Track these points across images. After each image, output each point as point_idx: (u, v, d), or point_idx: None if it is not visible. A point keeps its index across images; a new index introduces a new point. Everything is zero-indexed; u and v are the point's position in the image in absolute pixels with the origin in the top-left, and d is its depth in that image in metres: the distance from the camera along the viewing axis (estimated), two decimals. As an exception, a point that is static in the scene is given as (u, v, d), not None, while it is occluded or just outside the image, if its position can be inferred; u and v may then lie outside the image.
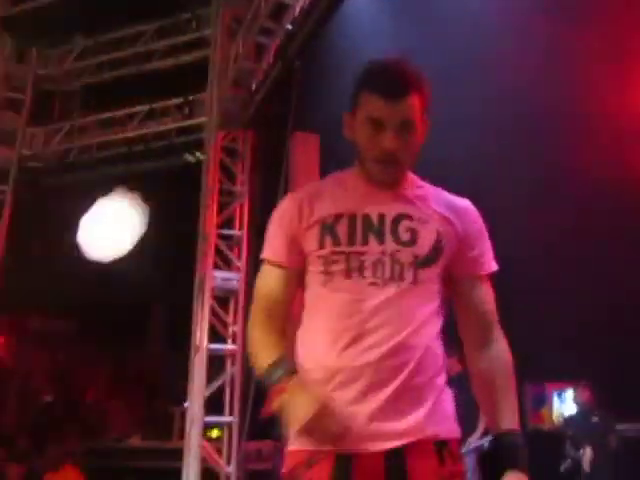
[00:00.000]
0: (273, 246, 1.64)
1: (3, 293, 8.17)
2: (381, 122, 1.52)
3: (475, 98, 5.19)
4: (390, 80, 1.54)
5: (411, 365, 1.47)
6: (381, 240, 1.53)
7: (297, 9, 6.09)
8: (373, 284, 1.51)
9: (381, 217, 1.56)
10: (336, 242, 1.55)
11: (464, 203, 1.67)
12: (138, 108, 8.29)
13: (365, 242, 1.53)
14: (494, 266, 1.65)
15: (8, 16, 8.13)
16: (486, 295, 1.62)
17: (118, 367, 10.40)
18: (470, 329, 1.62)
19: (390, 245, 1.53)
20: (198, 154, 7.85)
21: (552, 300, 6.86)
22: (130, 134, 8.27)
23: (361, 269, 1.52)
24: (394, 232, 1.54)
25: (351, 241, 1.54)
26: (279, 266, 1.63)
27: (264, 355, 1.53)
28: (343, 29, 6.09)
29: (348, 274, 1.52)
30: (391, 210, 1.57)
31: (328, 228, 1.56)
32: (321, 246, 1.56)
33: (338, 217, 1.57)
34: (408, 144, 1.55)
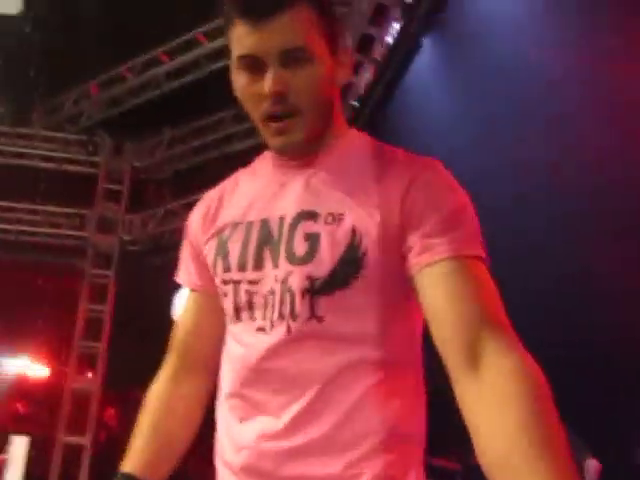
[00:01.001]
0: (183, 264, 1.22)
1: (112, 369, 8.80)
2: (256, 60, 0.99)
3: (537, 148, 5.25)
4: None
5: (310, 451, 0.98)
6: (276, 260, 1.02)
7: (362, 86, 6.48)
8: (261, 330, 1.03)
9: (281, 221, 1.04)
10: (226, 265, 1.08)
11: (417, 163, 1.04)
12: (222, 189, 8.86)
13: (259, 265, 1.04)
14: (472, 248, 0.97)
15: (105, 118, 9.05)
16: (458, 286, 0.92)
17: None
18: (444, 347, 0.92)
19: (283, 266, 1.01)
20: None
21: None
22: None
23: (251, 307, 1.05)
24: (288, 243, 1.02)
25: (241, 263, 1.05)
26: (192, 290, 1.21)
27: (132, 448, 1.14)
28: (406, 98, 6.36)
29: (238, 314, 1.07)
30: (293, 206, 1.04)
31: (222, 244, 1.10)
32: (214, 271, 1.10)
33: (235, 226, 1.09)
34: (303, 81, 1.00)
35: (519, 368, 0.84)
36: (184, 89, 8.58)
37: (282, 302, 1.00)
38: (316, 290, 0.98)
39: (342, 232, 0.99)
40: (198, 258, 1.16)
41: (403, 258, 0.99)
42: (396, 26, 5.45)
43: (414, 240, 0.97)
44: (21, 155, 9.27)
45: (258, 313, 1.03)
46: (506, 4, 4.60)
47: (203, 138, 9.26)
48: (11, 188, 9.02)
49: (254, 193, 1.10)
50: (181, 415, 1.17)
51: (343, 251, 0.98)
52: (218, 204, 1.16)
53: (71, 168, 9.46)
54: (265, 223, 1.05)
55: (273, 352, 1.00)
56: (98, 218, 9.16)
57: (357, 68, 5.99)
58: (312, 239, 1.00)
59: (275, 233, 1.03)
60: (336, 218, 1.00)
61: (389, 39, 5.59)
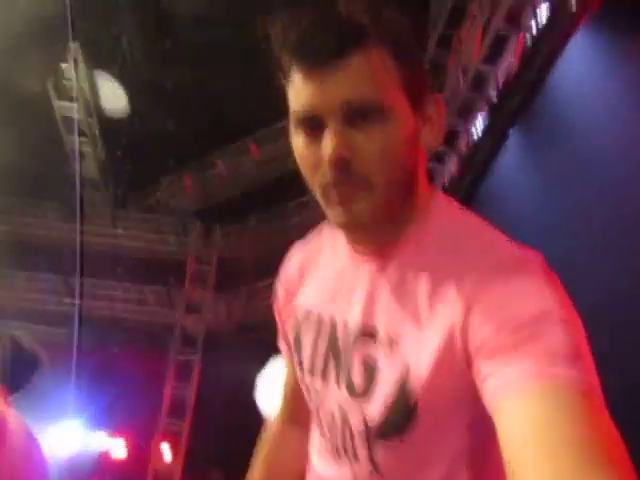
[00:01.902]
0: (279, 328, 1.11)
1: (192, 449, 8.84)
2: (314, 117, 0.78)
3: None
4: (312, 29, 0.76)
5: None
6: (338, 378, 0.90)
7: (445, 178, 6.57)
8: (330, 454, 0.94)
9: (345, 330, 0.91)
10: (299, 361, 0.97)
11: (486, 265, 0.77)
12: (305, 272, 9.01)
13: (325, 376, 0.92)
14: (561, 369, 0.67)
15: (215, 205, 9.52)
16: (537, 418, 0.65)
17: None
18: None
19: (343, 391, 0.89)
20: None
21: None
22: (299, 296, 8.96)
23: (320, 419, 0.95)
24: (349, 365, 0.89)
25: (310, 367, 0.95)
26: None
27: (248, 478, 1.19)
28: (492, 188, 6.37)
29: (315, 417, 0.97)
30: (359, 315, 0.89)
31: (298, 331, 0.98)
32: (293, 359, 1.00)
33: (308, 315, 0.97)
34: (376, 144, 0.77)
35: None
36: (271, 176, 8.96)
37: (344, 437, 0.89)
38: (373, 435, 0.85)
39: (395, 367, 0.82)
40: (283, 328, 1.03)
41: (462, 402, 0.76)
42: (482, 120, 5.56)
43: (478, 366, 0.74)
44: (116, 236, 9.82)
45: (326, 431, 0.93)
46: (592, 98, 4.63)
47: (286, 221, 9.55)
48: (104, 267, 9.49)
49: (329, 278, 0.94)
50: (287, 459, 1.17)
51: (395, 394, 0.81)
52: (300, 272, 1.00)
53: (162, 249, 9.92)
54: (333, 325, 0.91)
55: None
56: (186, 298, 9.46)
57: (443, 158, 6.11)
58: (369, 370, 0.85)
59: (340, 342, 0.89)
60: (392, 343, 0.83)
61: (475, 132, 5.69)
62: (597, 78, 4.37)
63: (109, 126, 8.30)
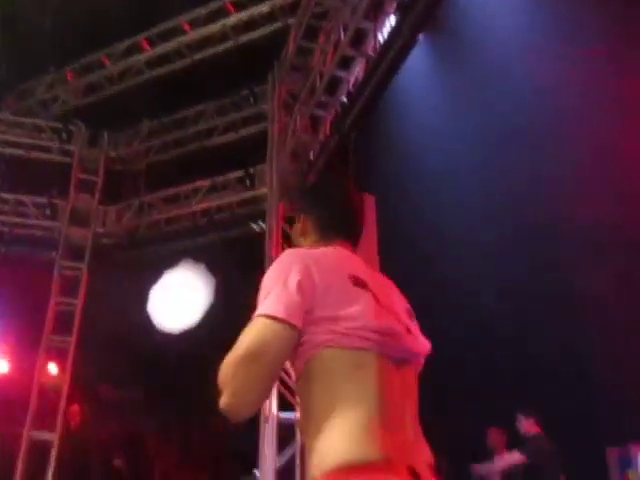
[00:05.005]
0: None
1: (79, 364, 8.50)
2: None
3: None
4: None
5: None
6: None
7: (351, 83, 6.32)
8: None
9: None
10: None
11: None
12: (201, 183, 8.65)
13: None
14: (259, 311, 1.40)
15: (81, 105, 8.73)
16: None
17: (185, 436, 10.47)
18: None
19: None
20: (262, 224, 8.07)
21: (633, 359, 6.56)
22: (194, 208, 8.62)
23: None
24: None
25: None
26: None
27: None
28: (396, 97, 6.24)
29: None
30: None
31: None
32: None
33: None
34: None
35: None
36: (165, 80, 8.33)
37: None
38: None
39: None
40: None
41: None
42: (391, 21, 5.29)
43: None
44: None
45: None
46: (504, 8, 4.50)
47: (182, 130, 9.02)
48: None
49: None
50: None
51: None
52: None
53: (42, 156, 9.11)
54: None
55: None
56: (71, 209, 8.83)
57: (349, 62, 5.83)
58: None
59: None
60: None
61: (383, 34, 5.42)
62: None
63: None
